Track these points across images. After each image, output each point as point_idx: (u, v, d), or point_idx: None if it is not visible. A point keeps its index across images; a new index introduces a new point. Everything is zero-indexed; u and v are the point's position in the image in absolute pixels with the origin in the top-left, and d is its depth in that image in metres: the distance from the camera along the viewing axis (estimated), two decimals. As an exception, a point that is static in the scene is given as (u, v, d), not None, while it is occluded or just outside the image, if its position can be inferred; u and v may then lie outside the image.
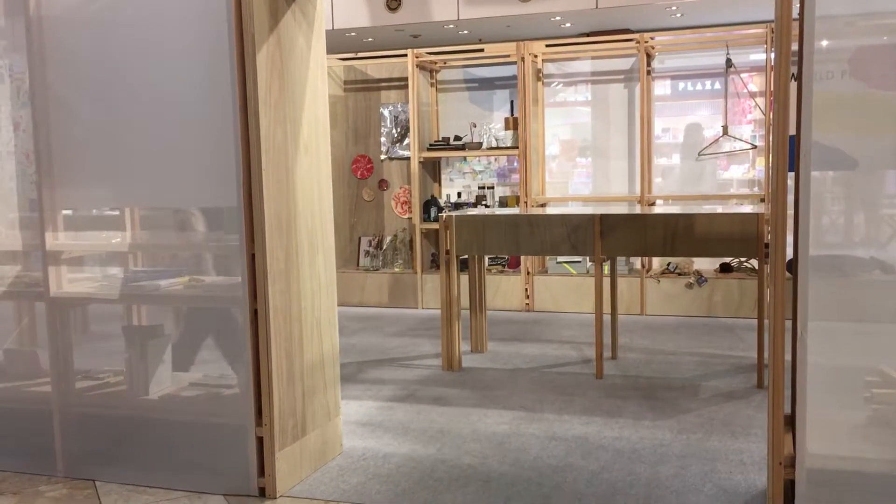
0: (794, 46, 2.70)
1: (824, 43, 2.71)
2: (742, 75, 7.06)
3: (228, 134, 3.18)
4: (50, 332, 3.58)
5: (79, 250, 3.81)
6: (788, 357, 2.86)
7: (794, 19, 2.70)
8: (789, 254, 2.86)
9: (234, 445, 3.33)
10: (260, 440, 3.29)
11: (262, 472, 3.29)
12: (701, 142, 7.28)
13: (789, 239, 2.90)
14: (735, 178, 7.38)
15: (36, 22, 3.44)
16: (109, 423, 3.62)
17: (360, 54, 7.93)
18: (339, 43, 8.10)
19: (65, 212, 3.63)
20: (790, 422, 2.95)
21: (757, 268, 5.28)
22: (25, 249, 3.85)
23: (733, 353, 5.51)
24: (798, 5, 2.71)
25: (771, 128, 4.65)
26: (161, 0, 3.28)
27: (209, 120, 3.24)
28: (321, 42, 3.61)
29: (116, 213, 3.98)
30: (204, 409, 3.55)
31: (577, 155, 7.85)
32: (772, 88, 6.26)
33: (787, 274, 2.87)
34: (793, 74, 2.74)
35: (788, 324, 2.82)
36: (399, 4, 7.52)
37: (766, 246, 4.52)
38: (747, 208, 6.00)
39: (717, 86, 7.28)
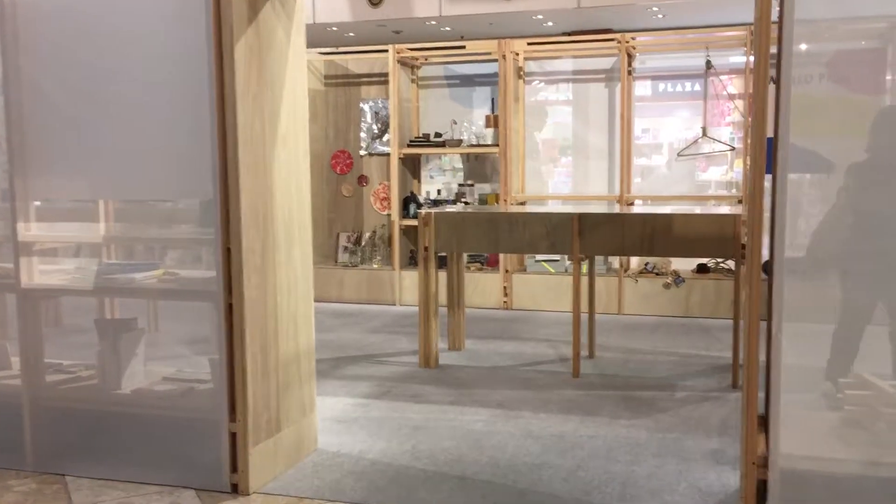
0: (774, 49, 2.71)
1: (803, 46, 2.72)
2: (721, 77, 7.10)
3: (205, 125, 3.15)
4: (21, 325, 3.53)
5: (52, 241, 3.75)
6: (763, 357, 2.87)
7: (774, 22, 2.71)
8: (765, 255, 2.88)
9: (207, 441, 3.30)
10: (233, 436, 3.26)
11: (234, 468, 3.26)
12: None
13: (766, 240, 2.91)
14: (713, 180, 7.43)
15: (10, 9, 3.38)
16: (80, 417, 3.57)
17: (340, 49, 7.89)
18: (320, 37, 8.04)
19: (37, 202, 3.57)
20: (764, 422, 2.97)
21: (733, 269, 5.31)
22: (-3, 240, 3.79)
23: (709, 354, 5.54)
24: (777, 8, 2.72)
25: (749, 130, 4.67)
26: (138, -11, 3.24)
27: (186, 111, 3.20)
28: (301, 35, 3.58)
29: (91, 204, 3.92)
30: (177, 404, 3.51)
31: (557, 154, 7.86)
32: (750, 91, 6.30)
33: (763, 275, 2.88)
34: (772, 77, 2.75)
35: (764, 325, 2.84)
36: (381, 0, 7.48)
37: (743, 247, 4.55)
38: (725, 209, 6.03)
39: (697, 87, 7.32)
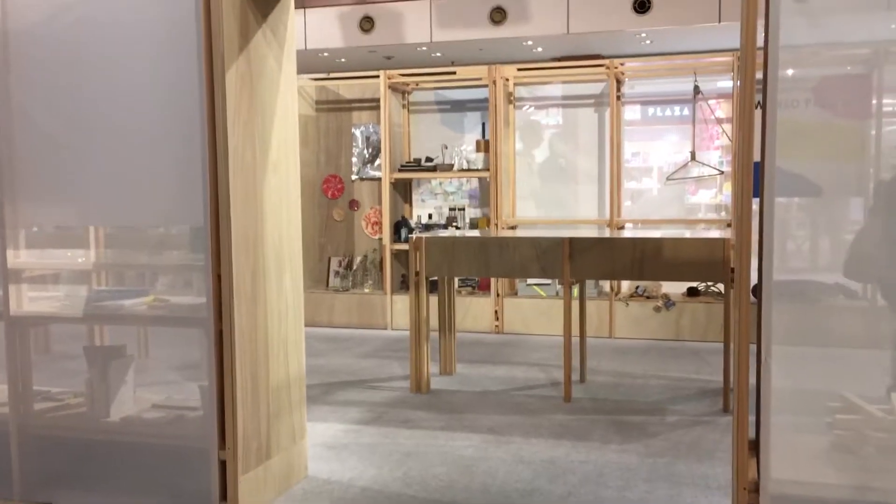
0: (760, 75, 2.74)
1: (789, 72, 2.75)
2: (709, 102, 7.16)
3: (196, 152, 3.16)
4: (8, 353, 3.50)
5: (40, 268, 3.74)
6: (753, 380, 2.88)
7: (759, 48, 2.74)
8: (755, 279, 2.89)
9: (196, 468, 3.27)
10: (223, 463, 3.23)
11: (224, 496, 3.23)
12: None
13: (754, 264, 2.93)
14: (703, 203, 7.47)
15: (1, 36, 3.39)
16: (69, 445, 3.54)
17: (332, 74, 7.94)
18: (311, 63, 8.10)
19: (27, 229, 3.57)
20: (755, 447, 2.96)
21: (723, 292, 5.33)
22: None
23: (700, 377, 5.54)
24: (763, 35, 2.75)
25: (736, 154, 4.71)
26: (129, 17, 3.25)
27: (177, 138, 3.21)
28: (292, 63, 3.60)
29: (80, 230, 3.92)
30: (166, 432, 3.48)
31: (547, 178, 7.89)
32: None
33: (753, 298, 2.89)
34: (758, 102, 2.77)
35: (753, 348, 2.85)
36: (372, 26, 7.55)
37: (733, 271, 4.56)
38: (714, 233, 6.06)
39: (686, 112, 7.38)
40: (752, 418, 2.86)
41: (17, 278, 3.53)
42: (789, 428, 2.81)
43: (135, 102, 3.28)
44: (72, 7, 3.31)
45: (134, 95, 3.28)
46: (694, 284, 7.02)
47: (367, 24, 7.54)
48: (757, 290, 2.97)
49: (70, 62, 3.35)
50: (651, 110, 7.59)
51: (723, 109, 7.24)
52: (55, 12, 3.34)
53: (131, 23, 3.25)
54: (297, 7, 3.79)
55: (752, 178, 2.81)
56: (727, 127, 7.12)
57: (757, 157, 2.79)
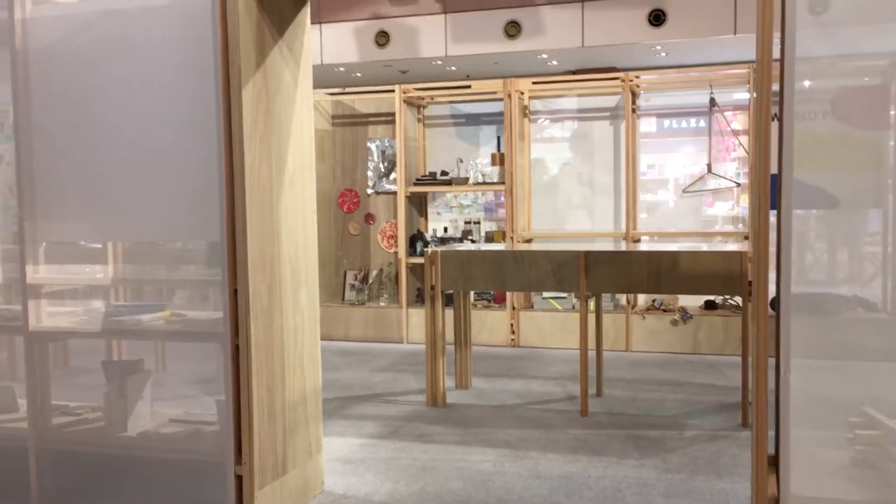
0: (776, 87, 2.73)
1: (806, 84, 2.74)
2: (726, 114, 7.14)
3: (213, 168, 3.18)
4: (28, 367, 3.53)
5: (59, 284, 3.77)
6: (773, 395, 2.85)
7: (775, 60, 2.74)
8: (773, 291, 2.86)
9: (213, 483, 3.27)
10: (239, 478, 3.23)
11: (240, 511, 3.24)
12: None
13: (772, 276, 2.90)
14: (720, 215, 7.43)
15: (21, 55, 3.44)
16: (86, 459, 3.56)
17: (347, 89, 7.98)
18: (327, 77, 8.16)
19: (46, 245, 3.60)
20: (774, 462, 2.93)
21: (741, 305, 5.29)
22: (5, 283, 3.81)
23: (718, 391, 5.49)
24: (779, 46, 2.75)
25: (753, 167, 4.69)
26: (146, 35, 3.29)
27: (194, 154, 3.23)
28: (308, 79, 3.62)
29: (99, 246, 3.95)
30: (183, 447, 3.49)
31: (563, 191, 7.88)
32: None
33: (771, 311, 2.87)
34: (774, 114, 2.76)
35: (772, 362, 2.82)
36: (388, 41, 7.59)
37: (750, 284, 4.53)
38: (731, 246, 6.02)
39: (702, 124, 7.36)
40: (771, 433, 2.83)
41: (37, 293, 3.56)
42: (809, 443, 2.78)
43: (152, 118, 3.31)
44: (90, 26, 3.35)
45: (151, 112, 3.31)
46: (711, 297, 6.97)
47: (382, 38, 7.59)
48: (775, 303, 2.95)
49: (88, 79, 3.38)
50: (667, 122, 7.58)
51: (739, 121, 7.21)
52: (74, 32, 3.39)
53: (148, 40, 3.29)
54: (313, 22, 3.82)
55: (769, 190, 2.79)
56: (744, 139, 7.09)
57: (774, 169, 2.78)
